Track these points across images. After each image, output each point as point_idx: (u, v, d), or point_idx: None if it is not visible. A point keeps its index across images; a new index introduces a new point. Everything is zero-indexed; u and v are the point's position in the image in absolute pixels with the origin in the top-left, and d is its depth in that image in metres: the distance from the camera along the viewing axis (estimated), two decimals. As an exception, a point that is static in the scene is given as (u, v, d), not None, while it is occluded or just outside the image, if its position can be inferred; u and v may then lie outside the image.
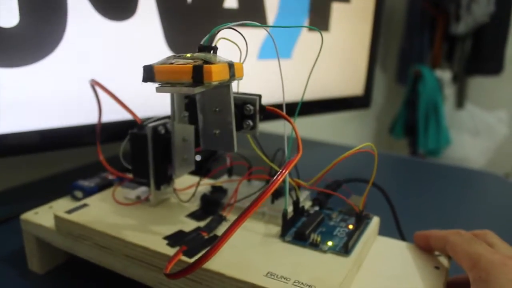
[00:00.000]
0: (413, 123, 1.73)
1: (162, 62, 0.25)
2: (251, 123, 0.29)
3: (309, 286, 0.24)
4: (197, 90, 0.23)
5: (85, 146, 0.46)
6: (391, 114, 1.88)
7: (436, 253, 0.31)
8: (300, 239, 0.29)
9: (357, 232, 0.30)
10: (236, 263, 0.26)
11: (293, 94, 0.38)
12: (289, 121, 0.27)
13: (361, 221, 0.31)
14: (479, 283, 0.23)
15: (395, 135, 1.82)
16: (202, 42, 0.26)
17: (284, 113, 0.28)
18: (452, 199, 0.57)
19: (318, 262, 0.27)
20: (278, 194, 0.34)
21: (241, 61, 0.28)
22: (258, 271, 0.25)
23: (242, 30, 0.26)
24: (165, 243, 0.28)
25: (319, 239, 0.29)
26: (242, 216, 0.22)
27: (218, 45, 0.26)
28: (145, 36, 0.46)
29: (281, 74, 0.29)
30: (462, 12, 1.66)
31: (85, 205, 0.34)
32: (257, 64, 0.55)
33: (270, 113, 0.29)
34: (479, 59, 1.75)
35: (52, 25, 0.40)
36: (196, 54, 0.25)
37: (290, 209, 0.31)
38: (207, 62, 0.24)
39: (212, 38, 0.25)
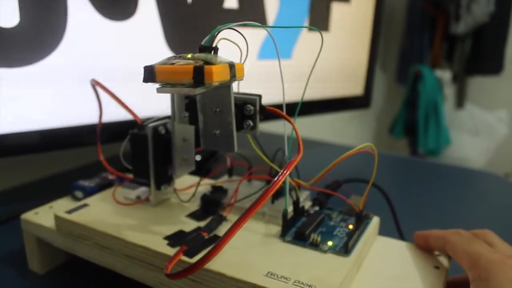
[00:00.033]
0: (413, 123, 1.73)
1: (163, 63, 0.25)
2: (251, 123, 0.29)
3: (309, 286, 0.24)
4: (198, 91, 0.23)
5: (85, 146, 0.46)
6: (391, 114, 1.88)
7: (436, 253, 0.31)
8: (300, 239, 0.29)
9: (357, 232, 0.30)
10: (236, 263, 0.26)
11: (293, 94, 0.38)
12: (289, 121, 0.27)
13: (361, 221, 0.31)
14: (479, 283, 0.23)
15: (395, 135, 1.82)
16: (202, 43, 0.26)
17: (284, 113, 0.28)
18: (452, 199, 0.57)
19: (318, 262, 0.27)
20: (278, 194, 0.34)
21: (242, 61, 0.28)
22: (258, 271, 0.25)
23: (242, 30, 0.27)
24: (165, 243, 0.28)
25: (319, 239, 0.29)
26: (243, 217, 0.23)
27: (218, 45, 0.26)
28: (145, 36, 0.46)
29: (281, 74, 0.29)
30: (462, 12, 1.66)
31: (85, 205, 0.34)
32: (257, 64, 0.55)
33: (270, 113, 0.29)
34: (479, 59, 1.75)
35: (53, 25, 0.40)
36: (197, 54, 0.25)
37: (290, 209, 0.31)
38: (207, 62, 0.24)
39: (212, 39, 0.25)
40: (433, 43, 1.78)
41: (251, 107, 0.28)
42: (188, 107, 0.31)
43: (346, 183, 0.35)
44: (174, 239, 0.29)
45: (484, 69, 1.76)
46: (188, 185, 0.37)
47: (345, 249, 0.28)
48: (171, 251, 0.27)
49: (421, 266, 0.29)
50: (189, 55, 0.25)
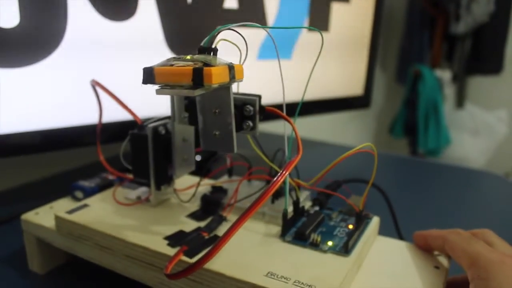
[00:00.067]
0: (413, 122, 1.73)
1: (162, 64, 0.25)
2: (251, 124, 0.29)
3: (309, 286, 0.24)
4: (197, 92, 0.24)
5: (85, 146, 0.46)
6: (391, 114, 1.88)
7: (436, 252, 0.31)
8: (300, 239, 0.29)
9: (357, 232, 0.30)
10: (236, 263, 0.26)
11: (293, 94, 0.38)
12: (289, 121, 0.28)
13: (361, 221, 0.31)
14: (478, 282, 0.24)
15: (395, 135, 1.82)
16: (202, 44, 0.26)
17: (284, 113, 0.28)
18: (452, 199, 0.57)
19: (318, 262, 0.27)
20: (278, 194, 0.34)
21: (241, 62, 0.28)
22: (258, 271, 0.25)
23: (241, 30, 0.27)
24: (165, 243, 0.28)
25: (319, 239, 0.29)
26: (243, 217, 0.23)
27: (218, 46, 0.26)
28: (145, 36, 0.46)
29: (281, 75, 0.29)
30: (462, 12, 1.66)
31: (85, 205, 0.34)
32: (256, 64, 0.55)
33: (270, 113, 0.29)
34: (479, 58, 1.75)
35: (53, 25, 0.40)
36: (196, 56, 0.25)
37: (290, 209, 0.31)
38: (207, 64, 0.24)
39: (212, 40, 0.25)
40: (433, 43, 1.78)
41: (251, 108, 0.28)
42: (187, 108, 0.31)
43: (346, 183, 0.35)
44: (174, 239, 0.29)
45: (484, 69, 1.77)
46: (188, 185, 0.37)
47: (345, 249, 0.28)
48: (171, 251, 0.27)
49: (421, 266, 0.29)
50: (189, 57, 0.25)
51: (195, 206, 0.35)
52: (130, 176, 0.37)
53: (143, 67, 0.24)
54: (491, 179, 0.67)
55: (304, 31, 0.58)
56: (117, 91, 0.36)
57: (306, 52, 0.59)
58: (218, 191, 0.36)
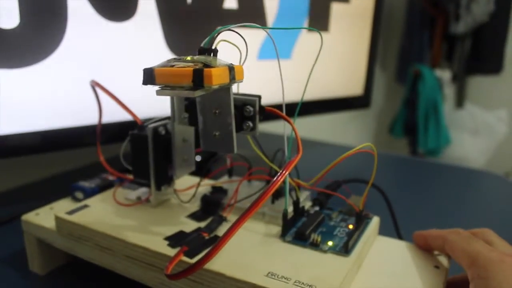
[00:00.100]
0: (413, 122, 1.73)
1: (162, 65, 0.25)
2: (251, 124, 0.29)
3: (309, 286, 0.24)
4: (197, 93, 0.24)
5: (85, 147, 0.46)
6: (391, 113, 1.88)
7: (436, 252, 0.31)
8: (301, 239, 0.29)
9: (357, 232, 0.30)
10: (236, 263, 0.26)
11: (293, 95, 0.38)
12: (288, 121, 0.28)
13: (361, 221, 0.31)
14: (478, 281, 0.24)
15: (395, 135, 1.82)
16: (202, 45, 0.26)
17: (283, 113, 0.28)
18: (452, 199, 0.57)
19: (318, 262, 0.27)
20: (278, 194, 0.34)
21: (241, 63, 0.28)
22: (258, 271, 0.25)
23: (241, 30, 0.27)
24: (165, 244, 0.28)
25: (319, 239, 0.29)
26: (243, 217, 0.23)
27: (218, 46, 0.26)
28: (145, 37, 0.46)
29: (281, 75, 0.29)
30: (462, 12, 1.66)
31: (85, 206, 0.34)
32: (256, 64, 0.55)
33: (270, 113, 0.29)
34: (478, 58, 1.75)
35: (53, 26, 0.40)
36: (196, 57, 0.25)
37: (290, 209, 0.31)
38: (207, 65, 0.24)
39: (212, 40, 0.25)
40: (433, 43, 1.78)
41: (251, 108, 0.28)
42: (187, 108, 0.31)
43: (346, 183, 0.35)
44: (174, 239, 0.29)
45: (484, 69, 1.77)
46: (188, 186, 0.37)
47: (345, 249, 0.28)
48: (171, 252, 0.27)
49: (421, 266, 0.29)
50: (189, 58, 0.25)
51: (195, 206, 0.35)
52: (130, 176, 0.37)
53: (143, 68, 0.24)
54: (491, 179, 0.67)
55: (304, 31, 0.58)
56: (117, 92, 0.36)
57: (306, 52, 0.59)
58: (218, 191, 0.36)
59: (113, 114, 0.42)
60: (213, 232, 0.30)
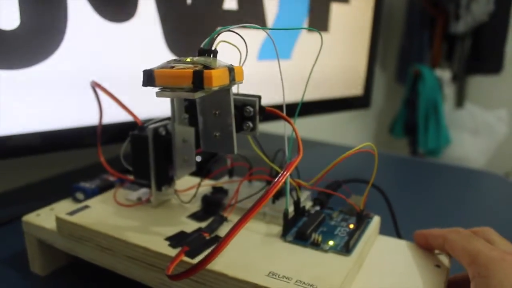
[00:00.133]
0: (413, 122, 1.73)
1: (162, 66, 0.25)
2: (251, 124, 0.29)
3: (310, 285, 0.24)
4: (197, 95, 0.24)
5: (86, 147, 0.46)
6: (391, 113, 1.88)
7: (437, 251, 0.31)
8: (301, 239, 0.29)
9: (358, 232, 0.30)
10: (238, 264, 0.26)
11: (293, 95, 0.38)
12: (289, 122, 0.28)
13: (362, 221, 0.31)
14: (479, 279, 0.24)
15: (395, 135, 1.82)
16: (202, 46, 0.26)
17: (284, 113, 0.28)
18: (452, 199, 0.57)
19: (319, 262, 0.27)
20: (279, 194, 0.34)
21: (241, 64, 0.28)
22: (260, 271, 0.25)
23: (241, 31, 0.27)
24: (166, 244, 0.29)
25: (320, 238, 0.29)
26: (244, 218, 0.23)
27: (218, 47, 0.26)
28: (145, 37, 0.46)
29: (281, 75, 0.29)
30: (462, 11, 1.66)
31: (86, 206, 0.34)
32: (256, 65, 0.55)
33: (270, 114, 0.29)
34: (478, 58, 1.75)
35: (53, 27, 0.40)
36: (196, 58, 0.25)
37: (291, 209, 0.31)
38: (207, 66, 0.24)
39: (212, 42, 0.25)
40: (433, 43, 1.78)
41: (251, 109, 0.28)
42: (187, 109, 0.31)
43: (346, 183, 0.35)
44: (175, 240, 0.29)
45: (484, 69, 1.77)
46: (188, 186, 0.37)
47: (346, 249, 0.28)
48: (172, 252, 0.27)
49: (422, 265, 0.29)
50: (189, 59, 0.25)
51: (196, 206, 0.35)
52: (131, 177, 0.37)
53: (143, 69, 0.24)
54: (491, 179, 0.67)
55: (304, 31, 0.58)
56: (117, 92, 0.36)
57: (306, 52, 0.59)
58: (218, 191, 0.36)
59: (114, 115, 0.42)
60: (214, 232, 0.30)
